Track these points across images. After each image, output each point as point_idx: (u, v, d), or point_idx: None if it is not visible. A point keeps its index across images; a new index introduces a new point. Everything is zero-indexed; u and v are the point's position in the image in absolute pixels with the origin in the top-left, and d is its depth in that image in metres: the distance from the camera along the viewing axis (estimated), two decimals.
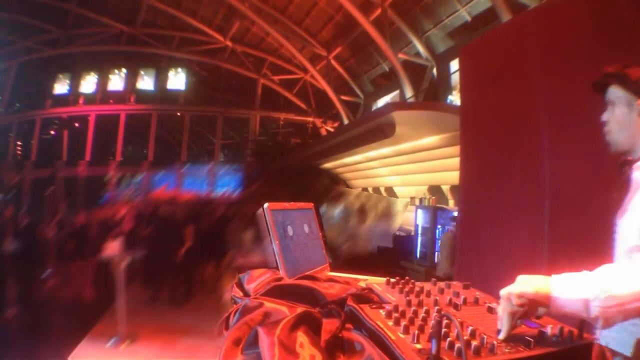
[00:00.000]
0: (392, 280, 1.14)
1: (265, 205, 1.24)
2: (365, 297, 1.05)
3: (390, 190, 11.49)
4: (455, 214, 6.18)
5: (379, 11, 13.17)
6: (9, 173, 17.71)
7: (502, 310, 0.91)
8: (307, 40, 17.07)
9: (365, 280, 1.26)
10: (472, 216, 4.27)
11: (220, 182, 19.34)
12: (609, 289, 0.97)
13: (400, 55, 13.56)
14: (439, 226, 7.25)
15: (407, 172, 10.05)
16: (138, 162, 20.32)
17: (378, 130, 8.25)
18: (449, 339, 0.77)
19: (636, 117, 1.37)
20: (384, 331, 0.81)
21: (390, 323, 0.85)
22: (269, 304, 0.99)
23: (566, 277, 1.07)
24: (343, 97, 17.89)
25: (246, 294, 1.15)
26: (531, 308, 0.94)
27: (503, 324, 0.87)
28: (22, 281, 5.72)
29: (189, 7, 18.65)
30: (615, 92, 1.42)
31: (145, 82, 21.52)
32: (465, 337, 0.77)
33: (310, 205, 1.52)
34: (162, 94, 21.28)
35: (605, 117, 1.45)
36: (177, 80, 21.57)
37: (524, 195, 3.35)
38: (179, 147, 21.44)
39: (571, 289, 0.99)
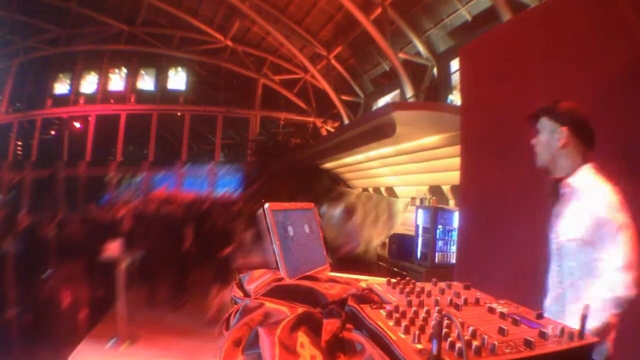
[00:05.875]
0: (393, 280, 1.14)
1: (266, 205, 1.24)
2: (366, 297, 1.05)
3: (390, 191, 11.47)
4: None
5: (379, 10, 13.17)
6: (9, 173, 17.70)
7: None
8: (307, 39, 17.06)
9: (366, 280, 1.26)
10: (472, 216, 4.28)
11: (220, 182, 19.33)
12: None
13: (401, 55, 13.55)
14: (440, 226, 7.24)
15: (408, 172, 10.03)
16: (138, 162, 20.28)
17: (378, 130, 8.23)
18: (449, 339, 0.77)
19: (557, 141, 1.79)
20: (384, 331, 0.81)
21: (391, 323, 0.85)
22: (270, 305, 0.99)
23: None
24: (343, 97, 17.87)
25: (246, 295, 1.15)
26: None
27: None
28: (22, 281, 5.72)
29: (190, 7, 18.65)
30: (542, 122, 1.88)
31: (146, 82, 21.51)
32: (466, 338, 0.77)
33: (311, 205, 1.52)
34: (162, 94, 21.27)
35: (533, 141, 1.91)
36: (177, 79, 21.56)
37: (524, 195, 3.36)
38: (180, 147, 21.40)
39: None
